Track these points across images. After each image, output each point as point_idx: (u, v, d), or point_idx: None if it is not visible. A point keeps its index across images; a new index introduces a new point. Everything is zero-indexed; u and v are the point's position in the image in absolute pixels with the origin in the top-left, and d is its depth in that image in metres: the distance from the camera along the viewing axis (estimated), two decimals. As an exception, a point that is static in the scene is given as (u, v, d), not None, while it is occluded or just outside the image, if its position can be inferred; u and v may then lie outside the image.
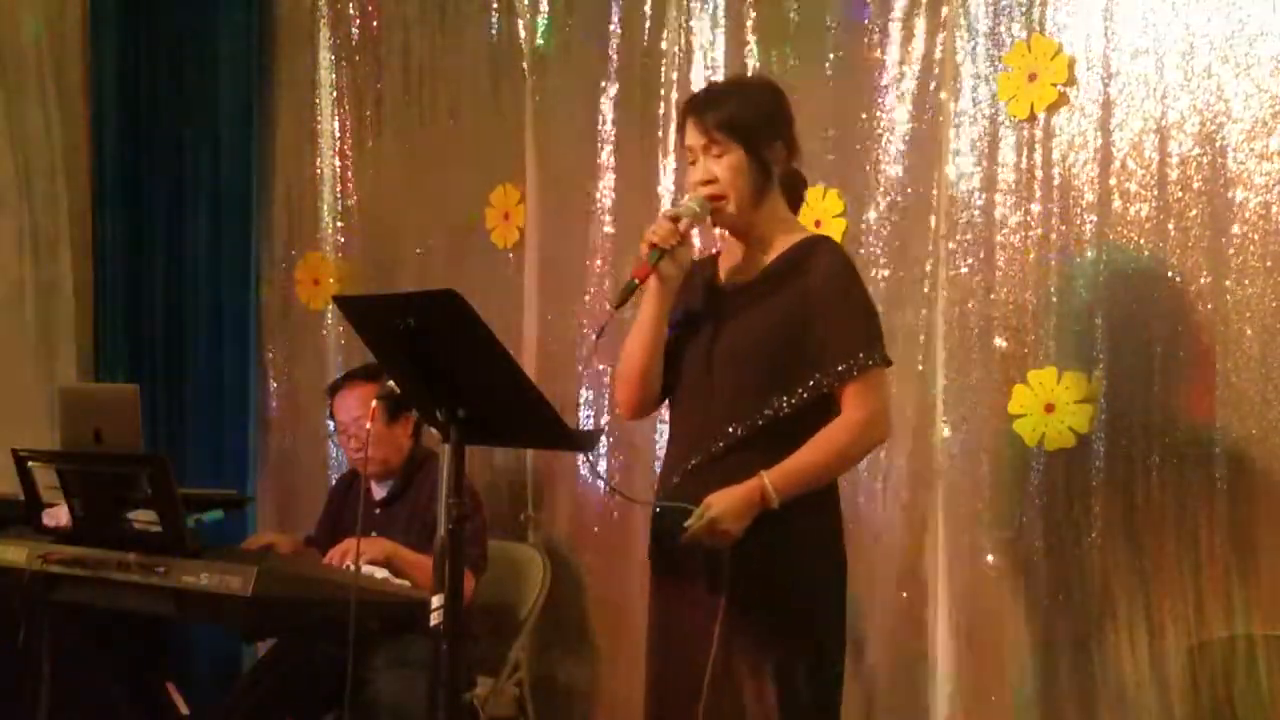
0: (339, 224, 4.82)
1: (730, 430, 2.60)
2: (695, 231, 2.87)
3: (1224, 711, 3.04)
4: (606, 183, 4.16)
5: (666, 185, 3.99)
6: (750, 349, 2.62)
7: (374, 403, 2.98)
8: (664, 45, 4.03)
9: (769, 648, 2.57)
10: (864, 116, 3.64)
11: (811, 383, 2.58)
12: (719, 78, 3.84)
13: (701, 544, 2.55)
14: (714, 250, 2.92)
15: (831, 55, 3.69)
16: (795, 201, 2.81)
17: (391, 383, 2.88)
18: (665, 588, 2.74)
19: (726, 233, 2.79)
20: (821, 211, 3.63)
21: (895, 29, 3.58)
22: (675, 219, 2.61)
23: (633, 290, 2.61)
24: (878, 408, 2.61)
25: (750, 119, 2.63)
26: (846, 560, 2.71)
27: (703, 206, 2.65)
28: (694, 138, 2.65)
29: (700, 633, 2.60)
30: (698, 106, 2.68)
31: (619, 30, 4.14)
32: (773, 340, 2.60)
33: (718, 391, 2.64)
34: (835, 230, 3.60)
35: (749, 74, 3.74)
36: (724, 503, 2.52)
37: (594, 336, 2.68)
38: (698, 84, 3.85)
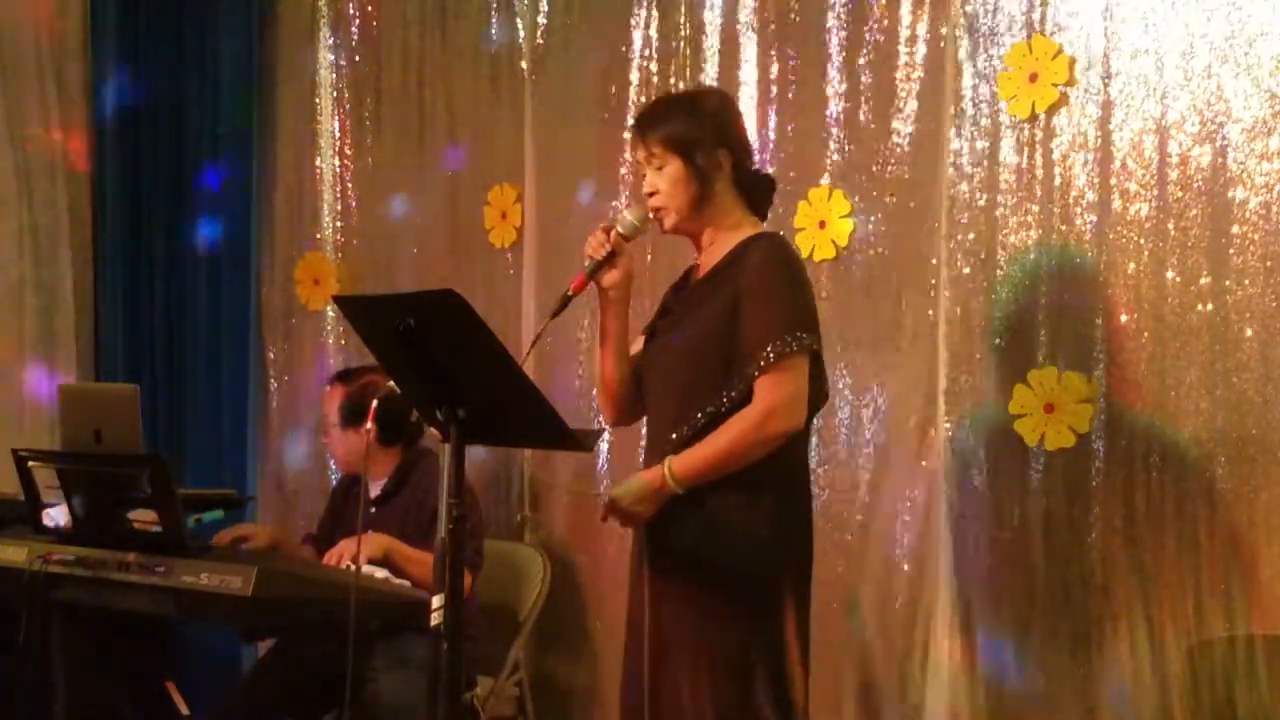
0: (339, 224, 4.82)
1: (677, 432, 2.66)
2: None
3: (1224, 711, 3.04)
4: (604, 183, 4.16)
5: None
6: (688, 351, 2.69)
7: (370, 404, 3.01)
8: (665, 45, 4.03)
9: (698, 643, 2.61)
10: (866, 117, 3.64)
11: (741, 378, 2.62)
12: (716, 77, 3.87)
13: (613, 523, 2.68)
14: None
15: (833, 56, 3.69)
16: (761, 202, 2.84)
17: (362, 389, 3.23)
18: (630, 580, 2.82)
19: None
20: (827, 212, 3.63)
21: (897, 30, 3.58)
22: (608, 229, 2.70)
23: (567, 300, 2.68)
24: (784, 396, 2.60)
25: (687, 131, 2.70)
26: (800, 554, 2.71)
27: (641, 219, 2.73)
28: (639, 152, 2.75)
29: (639, 621, 2.69)
30: (639, 123, 2.79)
31: (617, 30, 4.13)
32: (707, 341, 2.66)
33: (666, 394, 2.72)
34: (842, 231, 3.62)
35: (696, 87, 3.80)
36: (624, 485, 2.64)
37: (529, 344, 2.76)
38: (696, 84, 3.86)
